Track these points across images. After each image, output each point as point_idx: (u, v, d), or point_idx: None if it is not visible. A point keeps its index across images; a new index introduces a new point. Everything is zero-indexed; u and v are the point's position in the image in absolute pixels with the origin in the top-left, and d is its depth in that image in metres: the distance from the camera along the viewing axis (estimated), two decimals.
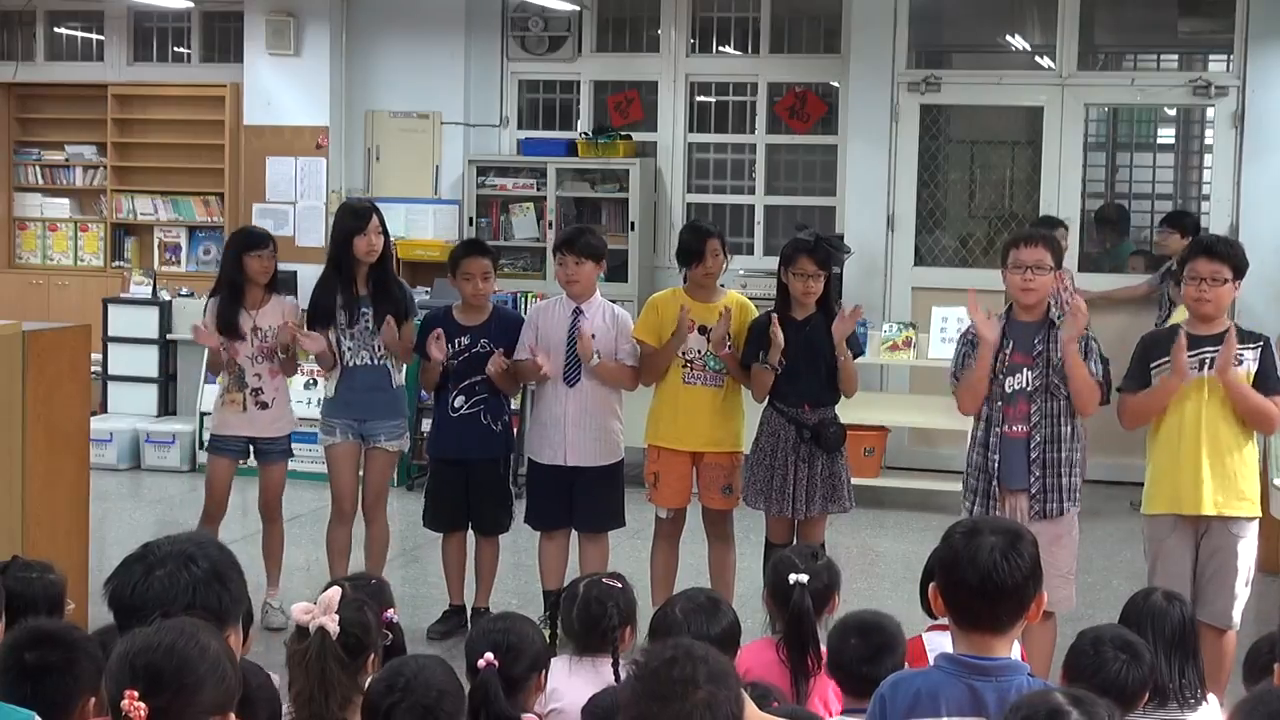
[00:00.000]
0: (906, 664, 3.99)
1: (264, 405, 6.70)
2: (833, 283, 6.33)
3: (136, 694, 2.38)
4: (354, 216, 6.59)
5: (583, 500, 6.40)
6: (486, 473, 6.58)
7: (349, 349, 6.57)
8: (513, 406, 7.06)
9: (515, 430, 7.03)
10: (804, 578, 4.31)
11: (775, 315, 6.10)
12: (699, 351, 6.28)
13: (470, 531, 6.69)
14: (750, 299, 6.56)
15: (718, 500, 6.38)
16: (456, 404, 6.52)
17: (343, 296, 6.56)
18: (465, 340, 6.46)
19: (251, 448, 6.76)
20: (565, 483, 6.40)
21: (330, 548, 6.72)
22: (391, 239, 6.77)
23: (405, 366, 6.83)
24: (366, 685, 3.38)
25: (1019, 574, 3.00)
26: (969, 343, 5.53)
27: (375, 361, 6.59)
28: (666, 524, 6.44)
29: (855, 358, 6.28)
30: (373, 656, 3.47)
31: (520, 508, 6.71)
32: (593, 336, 6.30)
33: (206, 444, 7.39)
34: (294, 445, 6.98)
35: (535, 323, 6.47)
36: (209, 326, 6.70)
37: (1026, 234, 5.57)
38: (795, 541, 6.03)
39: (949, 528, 3.12)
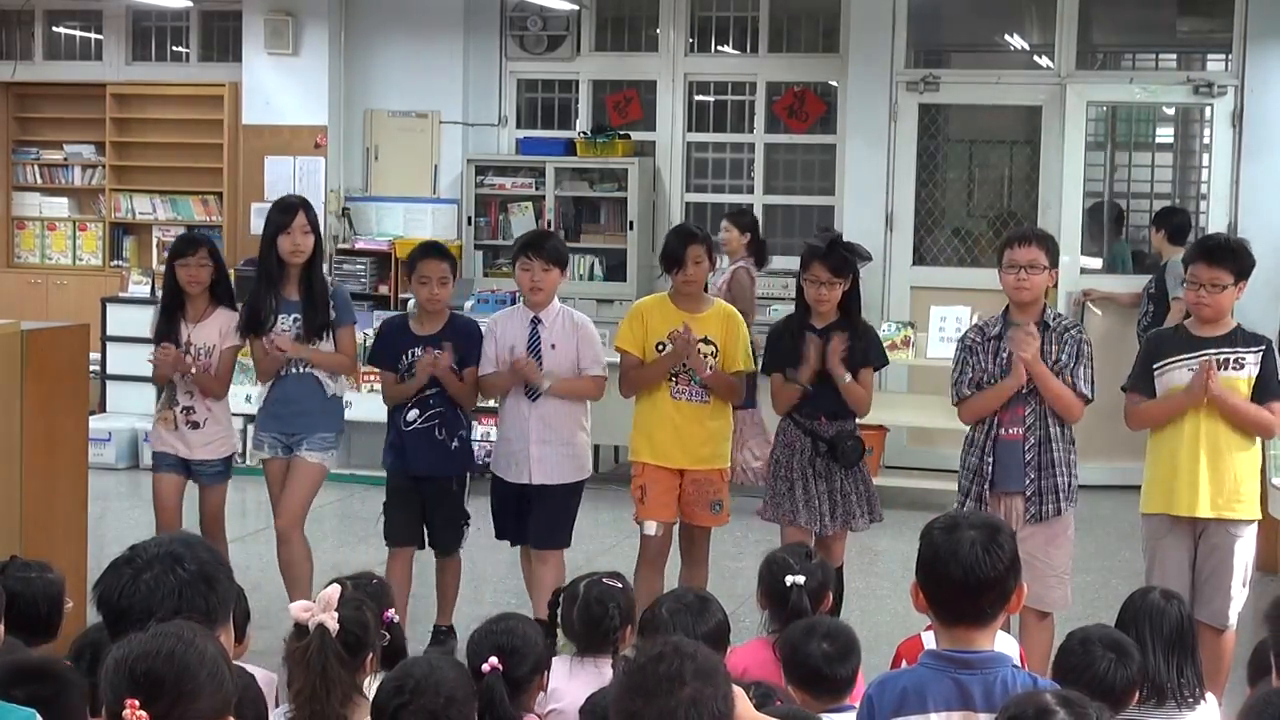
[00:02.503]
0: (905, 663, 3.99)
1: (195, 425, 6.32)
2: (857, 289, 5.98)
3: (138, 703, 2.37)
4: (280, 212, 6.23)
5: (535, 515, 6.06)
6: (440, 490, 6.22)
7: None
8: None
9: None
10: (801, 579, 4.33)
11: (813, 337, 5.82)
12: (685, 365, 6.00)
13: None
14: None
15: (705, 517, 6.09)
16: (410, 417, 6.17)
17: (270, 300, 6.21)
18: (419, 351, 6.12)
19: (189, 468, 6.40)
20: (522, 498, 6.08)
21: (281, 569, 6.35)
22: (323, 239, 6.35)
23: (342, 376, 6.48)
24: (367, 684, 3.39)
25: (1000, 566, 3.02)
26: (968, 349, 5.53)
27: (302, 370, 6.25)
28: (652, 546, 6.09)
29: (876, 369, 6.03)
30: (370, 655, 3.48)
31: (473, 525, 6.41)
32: (553, 347, 6.01)
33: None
34: None
35: (494, 333, 6.12)
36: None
37: (1021, 234, 5.56)
38: None
39: (926, 525, 3.14)
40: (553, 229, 11.07)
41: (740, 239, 9.11)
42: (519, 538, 6.21)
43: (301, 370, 6.25)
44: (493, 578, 7.41)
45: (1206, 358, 5.22)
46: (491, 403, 7.13)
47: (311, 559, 6.36)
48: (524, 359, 5.94)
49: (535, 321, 6.03)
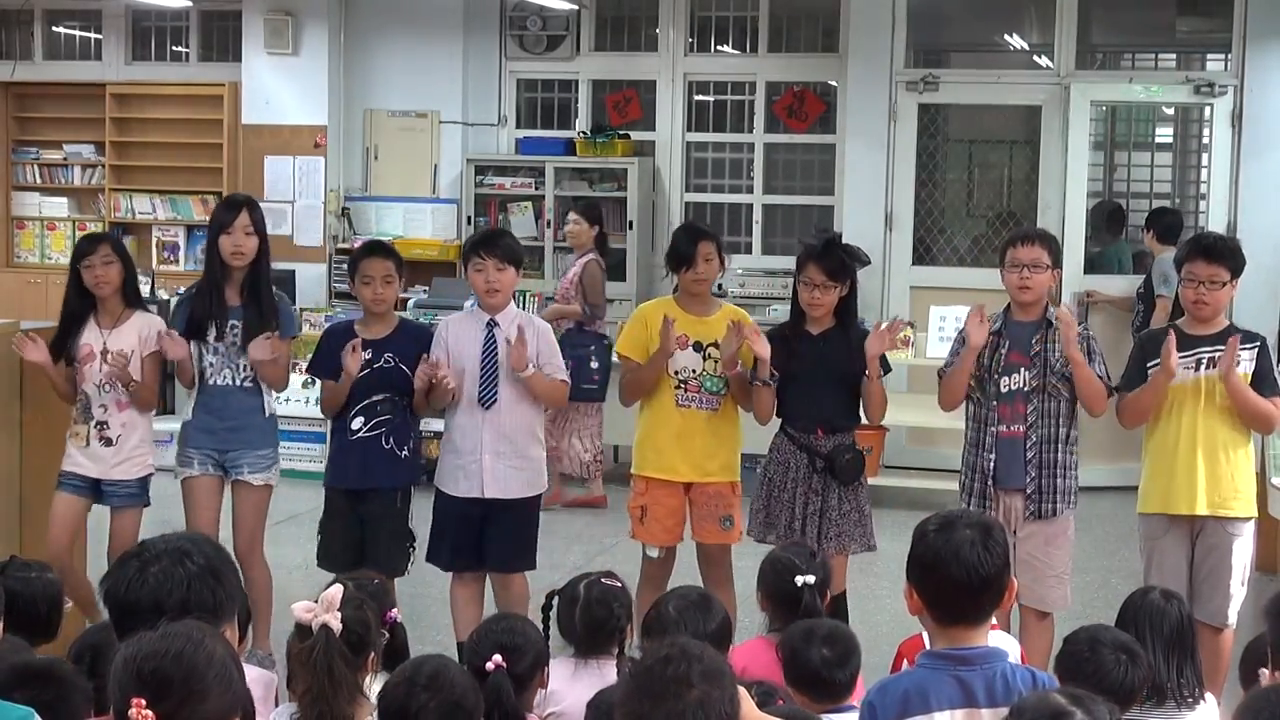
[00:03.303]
0: (906, 662, 4.00)
1: (108, 441, 5.81)
2: (854, 294, 5.75)
3: (144, 703, 2.36)
4: (223, 210, 5.81)
5: (496, 536, 5.65)
6: (383, 504, 5.73)
7: (210, 364, 5.82)
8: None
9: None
10: (811, 579, 4.31)
11: (748, 322, 5.61)
12: (693, 371, 5.70)
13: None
14: (748, 298, 6.47)
15: (715, 534, 5.78)
16: (355, 425, 5.72)
17: (210, 304, 5.79)
18: (368, 355, 5.69)
19: (99, 490, 5.88)
20: (477, 517, 5.66)
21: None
22: (269, 241, 5.88)
23: (276, 392, 6.04)
24: (368, 684, 3.39)
25: (998, 562, 3.08)
26: (961, 340, 5.53)
27: (239, 382, 5.83)
28: (655, 564, 5.81)
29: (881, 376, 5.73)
30: (372, 655, 3.48)
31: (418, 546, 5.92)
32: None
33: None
34: (298, 445, 6.66)
35: (445, 338, 5.71)
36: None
37: (1024, 233, 5.56)
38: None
39: (918, 526, 3.16)
40: (552, 229, 11.10)
41: (589, 231, 9.16)
42: (470, 562, 5.71)
43: (240, 382, 5.85)
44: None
45: (1169, 333, 5.21)
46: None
47: (271, 585, 5.97)
48: (521, 341, 5.51)
49: (491, 324, 5.64)
